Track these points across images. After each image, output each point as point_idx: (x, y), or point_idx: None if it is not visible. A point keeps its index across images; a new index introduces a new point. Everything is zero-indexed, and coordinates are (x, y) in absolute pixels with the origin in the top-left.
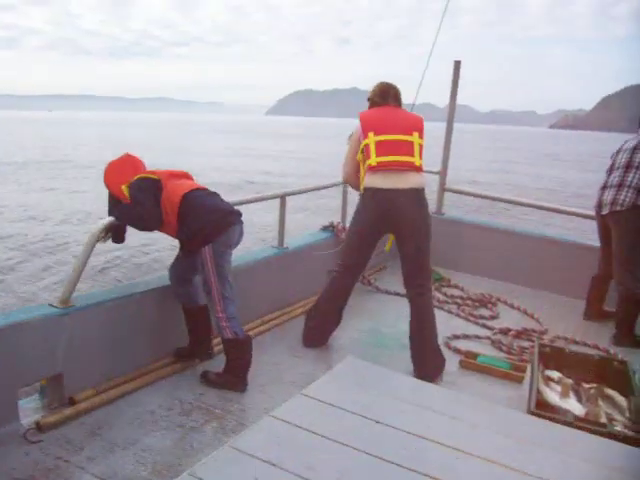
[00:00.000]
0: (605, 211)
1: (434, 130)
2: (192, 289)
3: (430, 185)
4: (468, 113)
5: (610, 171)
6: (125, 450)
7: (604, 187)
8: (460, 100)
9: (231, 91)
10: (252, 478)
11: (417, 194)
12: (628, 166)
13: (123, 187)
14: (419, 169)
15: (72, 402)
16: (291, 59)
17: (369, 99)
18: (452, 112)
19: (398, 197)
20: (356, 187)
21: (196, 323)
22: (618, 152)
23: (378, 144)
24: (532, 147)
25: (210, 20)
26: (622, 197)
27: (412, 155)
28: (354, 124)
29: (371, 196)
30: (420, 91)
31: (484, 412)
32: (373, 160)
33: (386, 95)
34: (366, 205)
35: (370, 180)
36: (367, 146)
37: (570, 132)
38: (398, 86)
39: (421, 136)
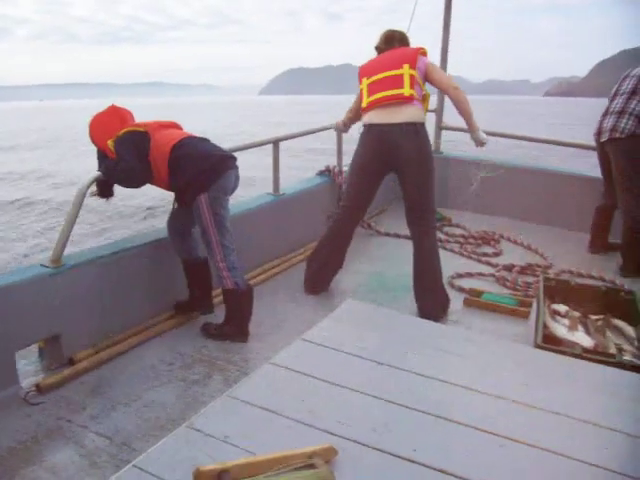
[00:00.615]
0: (604, 138)
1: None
2: (191, 243)
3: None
4: (462, 84)
5: (613, 97)
6: (128, 407)
7: (605, 114)
8: (454, 71)
9: (224, 73)
10: (252, 427)
11: (413, 128)
12: (633, 92)
13: (109, 142)
14: (410, 99)
15: (71, 362)
16: (282, 38)
17: (375, 47)
18: (446, 40)
19: (392, 131)
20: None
21: (196, 277)
22: (625, 78)
23: (369, 86)
24: (529, 112)
25: (200, 3)
26: (622, 124)
27: (401, 87)
28: (347, 100)
29: (366, 132)
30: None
31: (491, 348)
32: (364, 102)
33: (391, 40)
34: (363, 142)
35: (365, 118)
36: (361, 91)
37: (566, 99)
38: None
39: (413, 67)
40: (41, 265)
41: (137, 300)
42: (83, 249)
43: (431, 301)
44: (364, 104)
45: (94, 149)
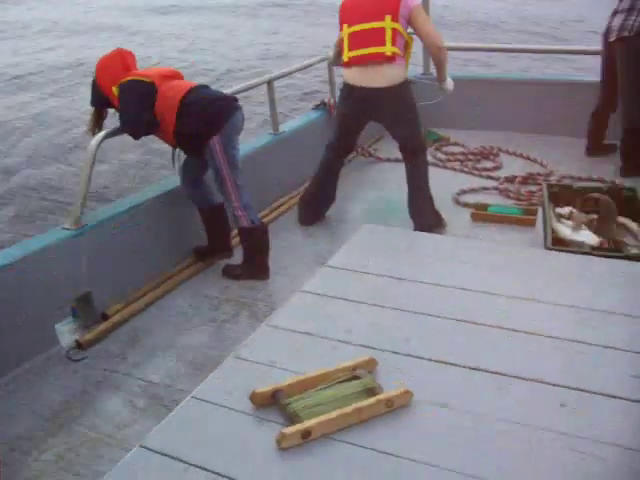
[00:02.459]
0: (612, 38)
1: None
2: (206, 189)
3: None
4: None
5: None
6: (166, 352)
7: (614, 13)
8: None
9: None
10: (294, 351)
11: (395, 91)
12: None
13: (114, 88)
14: (392, 58)
15: (104, 317)
16: None
17: None
18: None
19: (374, 95)
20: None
21: (213, 223)
22: None
23: (350, 36)
24: None
25: None
26: (631, 22)
27: (383, 44)
28: None
29: (348, 92)
30: None
31: (503, 254)
32: (345, 55)
33: None
34: (344, 99)
35: (346, 75)
36: (341, 40)
37: None
38: None
39: (395, 19)
40: (62, 228)
41: (158, 250)
42: (98, 210)
43: (419, 222)
44: (345, 57)
45: None
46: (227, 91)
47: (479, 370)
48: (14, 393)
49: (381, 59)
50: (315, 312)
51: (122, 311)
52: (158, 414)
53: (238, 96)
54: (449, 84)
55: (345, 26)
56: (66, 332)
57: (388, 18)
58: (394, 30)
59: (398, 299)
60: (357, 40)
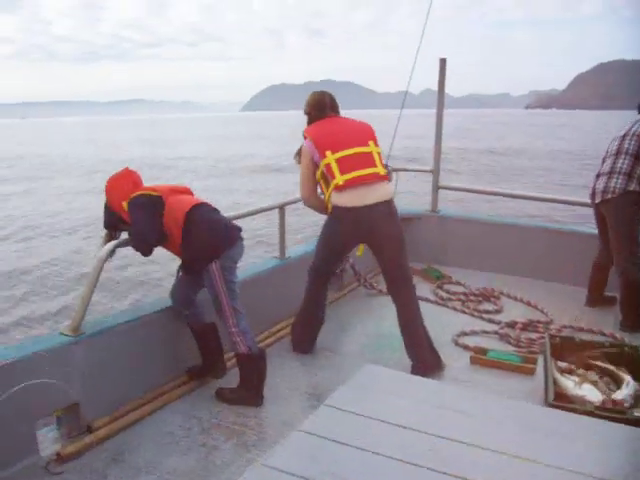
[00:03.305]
0: (598, 199)
1: (410, 117)
2: (198, 309)
3: (423, 184)
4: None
5: (603, 160)
6: (149, 474)
7: (598, 175)
8: (434, 86)
9: (205, 90)
10: None
11: (388, 206)
12: (618, 152)
13: (123, 203)
14: (384, 178)
15: (90, 430)
16: (264, 55)
17: (307, 113)
18: (441, 110)
19: (370, 213)
20: (320, 209)
21: (206, 341)
22: (612, 140)
23: (339, 161)
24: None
25: (182, 21)
26: (613, 184)
27: (374, 166)
28: None
29: (342, 215)
30: (394, 79)
31: (506, 409)
32: (339, 179)
33: (323, 106)
34: (337, 224)
35: (338, 199)
36: (328, 165)
37: (546, 111)
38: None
39: (376, 144)
40: (61, 333)
41: (153, 366)
42: (98, 317)
43: (417, 363)
44: (340, 181)
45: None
46: (235, 214)
47: None
48: None
49: (377, 179)
50: (311, 454)
51: (109, 425)
52: None
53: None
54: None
55: (328, 152)
56: (48, 441)
57: (372, 143)
58: (379, 154)
59: (396, 448)
60: (349, 163)
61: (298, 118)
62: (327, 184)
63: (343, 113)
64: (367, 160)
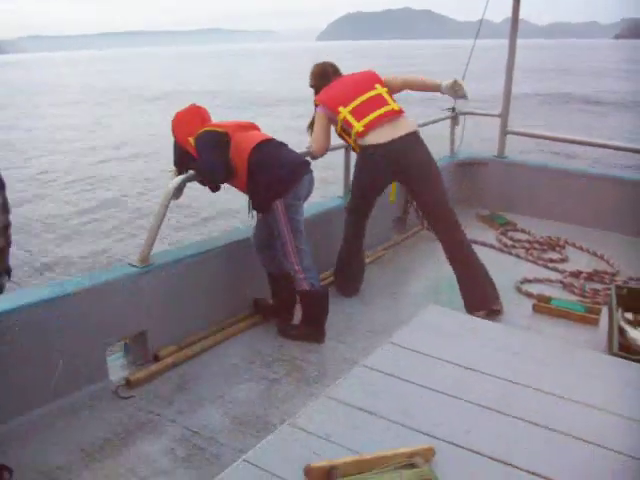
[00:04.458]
0: None
1: (491, 49)
2: (275, 254)
3: (491, 129)
4: (525, 27)
5: None
6: (213, 403)
7: None
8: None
9: (281, 18)
10: (351, 427)
11: (415, 137)
12: None
13: (190, 139)
14: (401, 112)
15: (156, 358)
16: None
17: (312, 85)
18: (513, 46)
19: (397, 146)
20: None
21: (281, 289)
22: None
23: (353, 112)
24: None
25: None
26: None
27: (388, 104)
28: (408, 45)
29: (372, 152)
30: (472, 7)
31: (571, 356)
32: (358, 127)
33: (327, 75)
34: (367, 162)
35: (365, 140)
36: (345, 120)
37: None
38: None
39: (383, 86)
40: (129, 264)
41: (217, 299)
42: (167, 249)
43: (471, 302)
44: (360, 128)
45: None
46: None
47: (539, 476)
48: (60, 423)
49: (394, 114)
50: (376, 389)
51: (175, 354)
52: (198, 466)
53: None
54: (461, 88)
55: (341, 108)
56: (117, 368)
57: (378, 86)
58: (388, 93)
59: (461, 388)
60: (363, 110)
61: (390, 49)
62: (349, 136)
63: (422, 44)
64: (379, 101)
